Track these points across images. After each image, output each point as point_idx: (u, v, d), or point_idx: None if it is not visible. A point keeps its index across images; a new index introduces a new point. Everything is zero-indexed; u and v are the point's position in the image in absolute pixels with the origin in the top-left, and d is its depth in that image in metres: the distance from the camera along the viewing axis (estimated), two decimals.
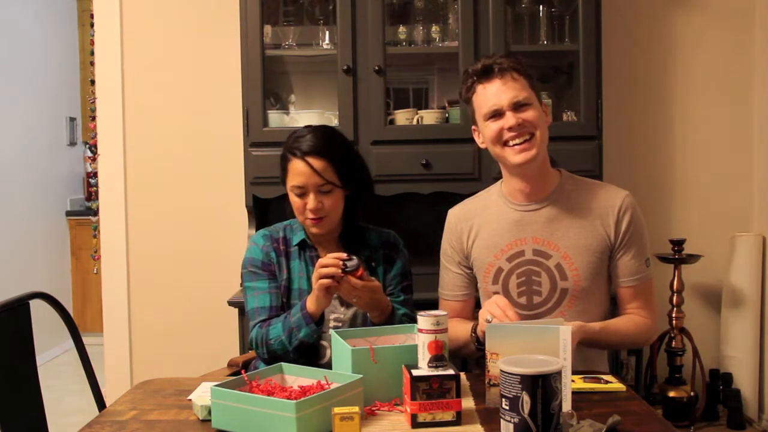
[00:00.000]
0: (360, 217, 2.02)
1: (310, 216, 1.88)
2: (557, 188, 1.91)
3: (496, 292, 1.89)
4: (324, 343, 1.91)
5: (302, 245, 1.98)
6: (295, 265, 1.96)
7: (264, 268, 1.95)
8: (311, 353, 1.88)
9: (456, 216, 2.01)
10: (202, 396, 1.55)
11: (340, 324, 1.92)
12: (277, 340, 1.84)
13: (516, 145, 1.82)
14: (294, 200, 1.90)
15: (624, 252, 1.87)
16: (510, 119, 1.81)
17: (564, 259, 1.84)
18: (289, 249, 1.98)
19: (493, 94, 1.82)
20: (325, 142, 1.89)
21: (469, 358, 2.11)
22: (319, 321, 1.83)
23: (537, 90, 1.88)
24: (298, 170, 1.87)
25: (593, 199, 1.89)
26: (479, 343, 1.75)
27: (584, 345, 1.75)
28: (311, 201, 1.87)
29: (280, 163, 1.94)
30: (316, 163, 1.85)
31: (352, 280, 1.72)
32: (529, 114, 1.81)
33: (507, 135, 1.82)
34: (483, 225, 1.95)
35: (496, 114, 1.83)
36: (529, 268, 1.87)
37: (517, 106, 1.81)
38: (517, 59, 1.86)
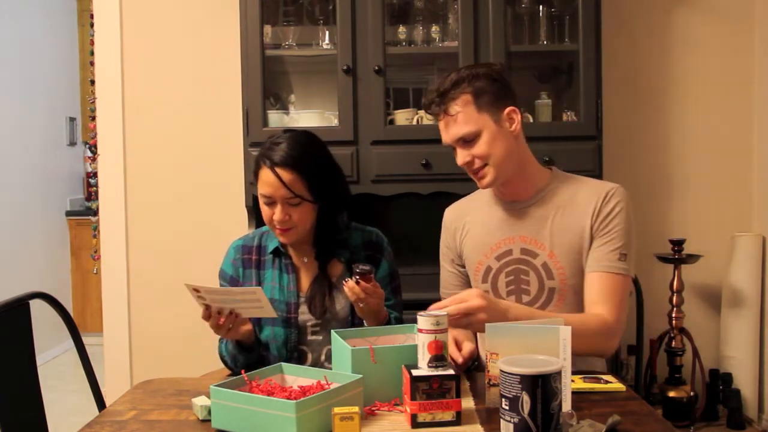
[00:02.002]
0: (335, 225, 1.96)
1: (277, 226, 1.84)
2: (545, 186, 1.88)
3: (487, 291, 1.88)
4: (304, 348, 1.91)
5: (276, 252, 1.95)
6: (268, 275, 1.94)
7: (231, 282, 1.96)
8: (292, 358, 1.89)
9: (451, 214, 2.01)
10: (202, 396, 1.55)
11: (318, 328, 1.91)
12: (228, 358, 1.93)
13: (473, 173, 1.83)
14: (262, 208, 1.85)
15: (599, 237, 1.79)
16: (458, 157, 1.81)
17: (550, 258, 1.82)
18: (262, 258, 1.95)
19: (441, 131, 1.82)
20: (299, 154, 1.81)
21: None
22: (252, 347, 1.87)
23: (491, 103, 1.77)
24: (267, 180, 1.80)
25: (579, 194, 1.85)
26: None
27: None
28: (278, 213, 1.81)
29: (253, 167, 1.87)
30: (286, 175, 1.78)
31: (363, 284, 1.72)
32: (477, 148, 1.78)
33: (462, 167, 1.83)
34: (473, 223, 1.94)
35: (452, 147, 1.83)
36: (517, 267, 1.85)
37: (464, 141, 1.78)
38: (457, 80, 1.76)
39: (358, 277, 1.72)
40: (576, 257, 1.82)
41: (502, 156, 1.79)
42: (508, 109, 1.80)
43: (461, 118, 1.76)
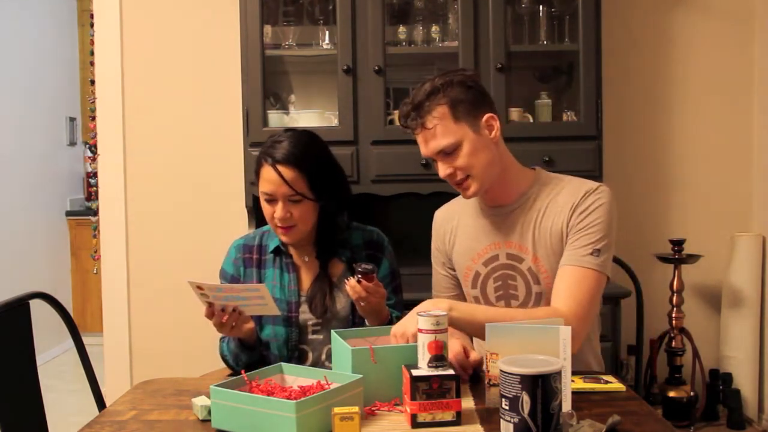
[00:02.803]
0: (336, 224, 1.97)
1: (279, 224, 1.85)
2: (528, 189, 1.83)
3: (476, 297, 1.87)
4: (305, 347, 1.92)
5: (277, 251, 1.95)
6: (269, 274, 1.94)
7: (232, 282, 1.95)
8: (293, 357, 1.90)
9: (441, 217, 1.99)
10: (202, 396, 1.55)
11: (319, 327, 1.91)
12: (230, 357, 1.92)
13: (456, 185, 1.79)
14: (264, 206, 1.86)
15: (572, 233, 1.74)
16: (440, 169, 1.77)
17: (534, 263, 1.79)
18: (263, 257, 1.96)
19: (420, 144, 1.77)
20: (300, 151, 1.81)
21: None
22: (254, 345, 1.87)
23: (468, 111, 1.72)
24: (268, 178, 1.81)
25: (560, 196, 1.80)
26: None
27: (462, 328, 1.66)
28: (279, 210, 1.82)
29: (254, 166, 1.88)
30: (287, 172, 1.79)
31: (365, 283, 1.72)
32: (458, 160, 1.73)
33: (444, 179, 1.79)
34: (460, 228, 1.92)
35: (433, 160, 1.79)
36: (504, 272, 1.83)
37: (445, 154, 1.74)
38: (431, 91, 1.71)
39: (359, 276, 1.72)
40: (559, 260, 1.77)
41: (484, 166, 1.75)
42: (486, 116, 1.75)
43: (439, 131, 1.71)
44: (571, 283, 1.70)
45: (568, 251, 1.74)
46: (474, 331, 1.69)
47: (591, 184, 1.80)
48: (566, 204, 1.78)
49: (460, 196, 1.96)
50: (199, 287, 1.69)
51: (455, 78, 1.74)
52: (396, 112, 2.81)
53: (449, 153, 1.73)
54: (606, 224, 1.74)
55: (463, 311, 1.65)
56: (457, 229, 1.93)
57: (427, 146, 1.75)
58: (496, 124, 1.76)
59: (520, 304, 1.81)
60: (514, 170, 1.84)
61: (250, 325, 1.83)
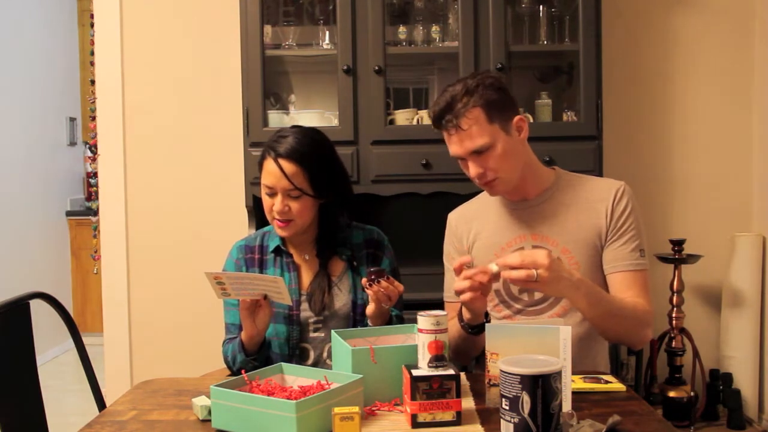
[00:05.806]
0: (336, 223, 1.98)
1: (276, 217, 1.87)
2: (552, 185, 1.91)
3: (498, 290, 1.89)
4: (306, 345, 1.92)
5: (278, 251, 1.97)
6: (270, 273, 1.95)
7: None
8: (294, 356, 1.89)
9: (456, 218, 2.02)
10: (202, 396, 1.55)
11: (320, 325, 1.92)
12: (230, 359, 1.90)
13: (484, 184, 1.84)
14: (264, 198, 1.89)
15: (617, 237, 1.85)
16: (471, 169, 1.81)
17: (563, 254, 1.84)
18: (264, 257, 1.97)
19: (451, 143, 1.81)
20: (304, 148, 1.84)
21: (467, 355, 2.07)
22: (256, 352, 1.83)
23: (500, 113, 1.78)
24: (270, 171, 1.84)
25: (589, 192, 1.89)
26: (462, 320, 1.76)
27: (584, 309, 1.71)
28: (278, 203, 1.84)
29: (259, 158, 1.91)
30: (289, 167, 1.82)
31: (391, 279, 1.72)
32: (490, 161, 1.78)
33: (474, 178, 1.83)
34: (482, 226, 1.95)
35: (461, 159, 1.82)
36: None
37: (477, 153, 1.78)
38: (465, 92, 1.75)
39: (377, 277, 1.70)
40: (592, 253, 1.85)
41: (513, 166, 1.82)
42: (516, 119, 1.82)
43: (475, 131, 1.76)
44: (638, 285, 1.83)
45: (617, 255, 1.84)
46: (598, 301, 1.73)
47: (615, 182, 1.91)
48: (599, 202, 1.87)
49: (474, 199, 2.03)
50: (217, 277, 1.69)
51: (487, 81, 1.79)
52: (396, 112, 2.81)
53: (481, 153, 1.78)
54: (639, 223, 1.87)
55: (591, 291, 1.71)
56: (477, 228, 1.96)
57: (461, 145, 1.79)
58: (526, 126, 1.85)
59: (543, 296, 1.86)
60: (537, 166, 1.92)
61: (268, 316, 1.80)
